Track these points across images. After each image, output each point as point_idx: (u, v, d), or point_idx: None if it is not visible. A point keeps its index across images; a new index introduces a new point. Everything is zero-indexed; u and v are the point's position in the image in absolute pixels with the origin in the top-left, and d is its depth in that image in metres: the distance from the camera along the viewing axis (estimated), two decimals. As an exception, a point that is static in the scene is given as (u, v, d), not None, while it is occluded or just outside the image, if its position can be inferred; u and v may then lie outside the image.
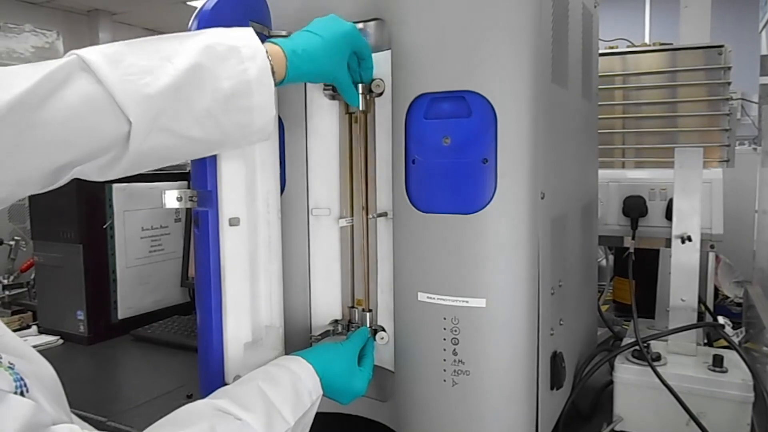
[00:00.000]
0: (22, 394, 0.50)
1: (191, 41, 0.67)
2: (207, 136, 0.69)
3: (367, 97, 0.87)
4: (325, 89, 0.90)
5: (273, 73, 0.72)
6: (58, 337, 1.49)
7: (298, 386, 0.75)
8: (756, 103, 1.91)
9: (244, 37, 0.71)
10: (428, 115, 0.79)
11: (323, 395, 0.81)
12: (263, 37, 0.82)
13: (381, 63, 0.85)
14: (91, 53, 0.61)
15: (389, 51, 0.84)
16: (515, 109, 0.76)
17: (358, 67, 0.85)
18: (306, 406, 0.74)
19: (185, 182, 1.68)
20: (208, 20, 0.75)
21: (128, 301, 1.55)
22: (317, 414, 0.79)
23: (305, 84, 0.91)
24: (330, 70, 0.80)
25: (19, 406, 0.48)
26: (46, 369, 0.60)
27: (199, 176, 0.80)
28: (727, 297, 1.60)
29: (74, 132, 0.60)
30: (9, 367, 0.51)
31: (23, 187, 0.61)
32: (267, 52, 0.72)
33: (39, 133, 0.57)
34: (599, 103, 1.29)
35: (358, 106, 0.86)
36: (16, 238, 1.94)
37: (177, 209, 1.63)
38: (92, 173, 0.66)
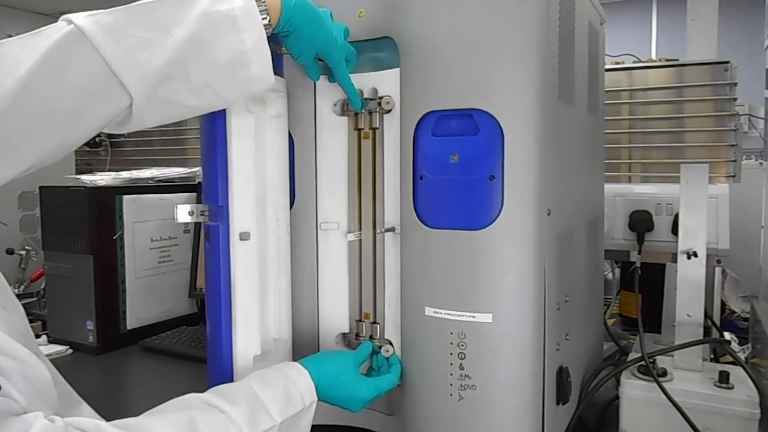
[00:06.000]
0: None
1: (190, 8, 0.67)
2: (205, 104, 0.72)
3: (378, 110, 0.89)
4: (334, 105, 0.92)
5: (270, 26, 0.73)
6: (67, 347, 1.50)
7: (289, 387, 0.76)
8: (762, 118, 1.92)
9: (241, 4, 0.70)
10: (436, 133, 0.81)
11: (328, 402, 0.81)
12: (275, 55, 0.84)
13: (390, 81, 0.87)
14: (88, 23, 0.62)
15: (398, 69, 0.85)
16: (522, 127, 0.77)
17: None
18: (297, 408, 0.75)
19: (194, 194, 1.70)
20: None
21: (137, 312, 1.56)
22: (326, 426, 0.79)
23: (315, 100, 0.93)
24: (323, 35, 0.81)
25: None
26: (37, 371, 0.60)
27: (210, 191, 0.81)
28: (734, 312, 1.59)
29: (85, 107, 0.63)
30: None
31: (45, 160, 0.64)
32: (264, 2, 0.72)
33: (53, 111, 0.61)
34: (605, 118, 1.30)
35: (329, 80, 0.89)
36: (26, 247, 1.96)
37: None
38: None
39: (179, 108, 0.70)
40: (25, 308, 0.75)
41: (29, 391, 0.56)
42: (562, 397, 0.87)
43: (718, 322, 1.41)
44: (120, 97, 0.64)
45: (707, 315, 1.18)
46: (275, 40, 0.81)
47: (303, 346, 0.94)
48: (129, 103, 0.65)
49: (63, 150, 0.65)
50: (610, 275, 1.71)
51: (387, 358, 0.89)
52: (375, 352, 0.90)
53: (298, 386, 0.77)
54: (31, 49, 0.60)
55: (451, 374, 0.80)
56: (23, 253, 1.95)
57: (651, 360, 0.96)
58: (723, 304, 1.56)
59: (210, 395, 0.70)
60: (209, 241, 0.81)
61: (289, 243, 0.91)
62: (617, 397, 0.98)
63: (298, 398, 0.76)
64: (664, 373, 0.96)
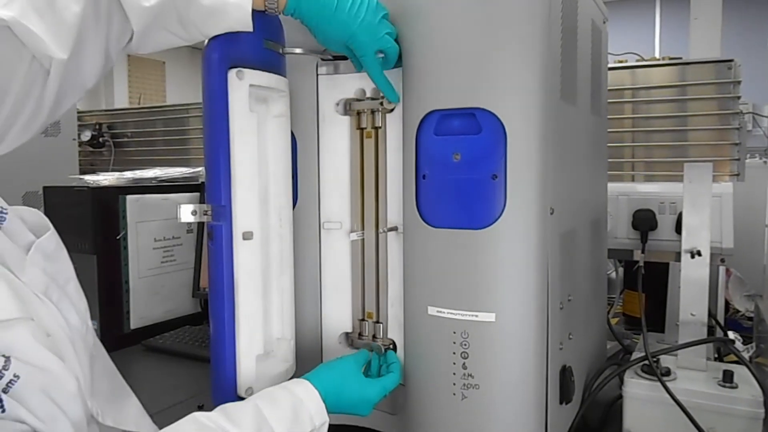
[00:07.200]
0: None
1: None
2: (192, 38, 0.79)
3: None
4: (336, 105, 0.92)
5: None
6: (71, 347, 1.50)
7: (298, 408, 0.75)
8: (766, 116, 1.91)
9: None
10: (438, 132, 0.81)
11: (338, 412, 0.80)
12: (277, 55, 0.84)
13: (392, 80, 0.86)
14: None
15: (400, 68, 0.85)
16: (524, 126, 0.77)
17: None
18: (305, 430, 0.74)
19: (197, 194, 1.70)
20: (224, 42, 0.77)
21: (140, 312, 1.57)
22: (329, 426, 0.79)
23: (317, 100, 0.93)
24: (336, 28, 0.80)
25: None
26: (61, 382, 0.61)
27: (213, 191, 0.81)
28: (738, 311, 1.59)
29: (108, 39, 0.74)
30: None
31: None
32: None
33: (97, 48, 0.72)
34: (608, 116, 1.30)
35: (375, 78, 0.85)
36: (30, 248, 1.96)
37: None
38: None
39: (171, 37, 0.78)
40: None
41: (47, 408, 0.57)
42: (565, 397, 0.87)
43: (722, 321, 1.40)
44: (126, 30, 0.74)
45: (711, 314, 1.18)
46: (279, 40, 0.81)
47: (306, 345, 0.94)
48: (130, 34, 0.75)
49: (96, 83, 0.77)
50: (613, 274, 1.71)
51: (383, 356, 0.89)
52: (372, 349, 0.90)
53: (306, 406, 0.76)
54: None
55: (454, 373, 0.80)
56: (27, 253, 1.95)
57: (654, 359, 0.95)
58: (727, 303, 1.56)
59: (216, 415, 0.70)
60: (212, 241, 0.81)
61: (292, 242, 0.91)
62: (621, 397, 0.98)
63: (307, 419, 0.75)
64: (668, 373, 0.96)
